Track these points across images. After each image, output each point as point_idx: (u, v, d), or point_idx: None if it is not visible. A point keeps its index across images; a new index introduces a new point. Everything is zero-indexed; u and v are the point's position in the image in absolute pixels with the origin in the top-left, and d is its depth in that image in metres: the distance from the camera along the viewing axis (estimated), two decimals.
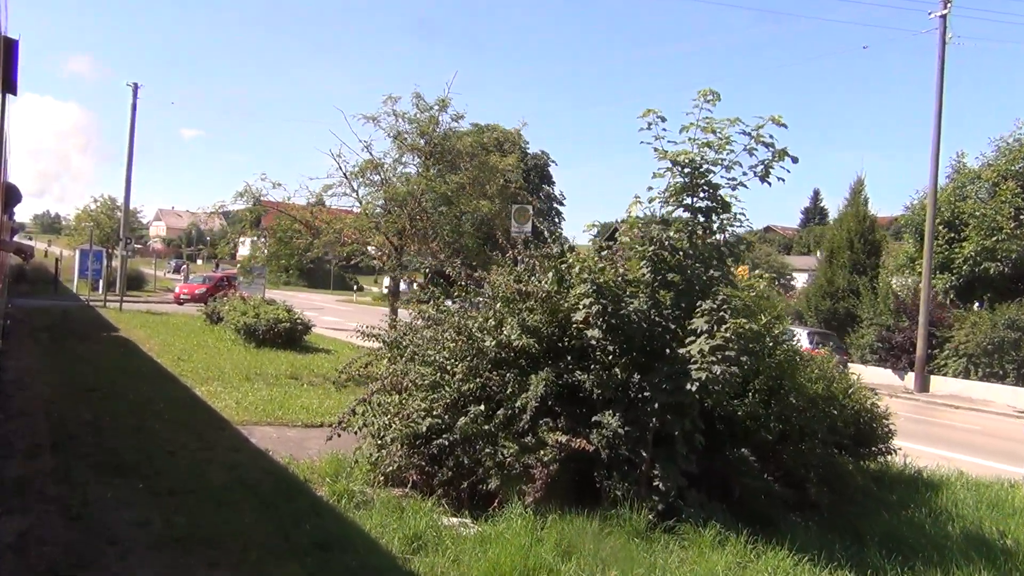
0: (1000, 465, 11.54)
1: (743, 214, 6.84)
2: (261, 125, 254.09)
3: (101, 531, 5.47)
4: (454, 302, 7.75)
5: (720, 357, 5.89)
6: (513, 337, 6.76)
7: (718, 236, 6.86)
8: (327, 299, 52.14)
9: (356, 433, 7.24)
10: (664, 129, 6.61)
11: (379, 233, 13.20)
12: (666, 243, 6.48)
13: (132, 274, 38.40)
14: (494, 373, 6.76)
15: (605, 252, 6.86)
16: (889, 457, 8.94)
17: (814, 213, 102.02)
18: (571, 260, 7.02)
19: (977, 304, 24.89)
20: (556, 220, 60.10)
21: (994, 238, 23.81)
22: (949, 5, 20.98)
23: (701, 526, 6.10)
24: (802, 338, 16.31)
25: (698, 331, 6.14)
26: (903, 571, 5.87)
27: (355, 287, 63.54)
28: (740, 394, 7.10)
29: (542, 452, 6.38)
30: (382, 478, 6.96)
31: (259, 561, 5.11)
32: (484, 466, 6.41)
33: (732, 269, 6.88)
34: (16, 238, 19.29)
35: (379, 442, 7.03)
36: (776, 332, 7.48)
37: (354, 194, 13.67)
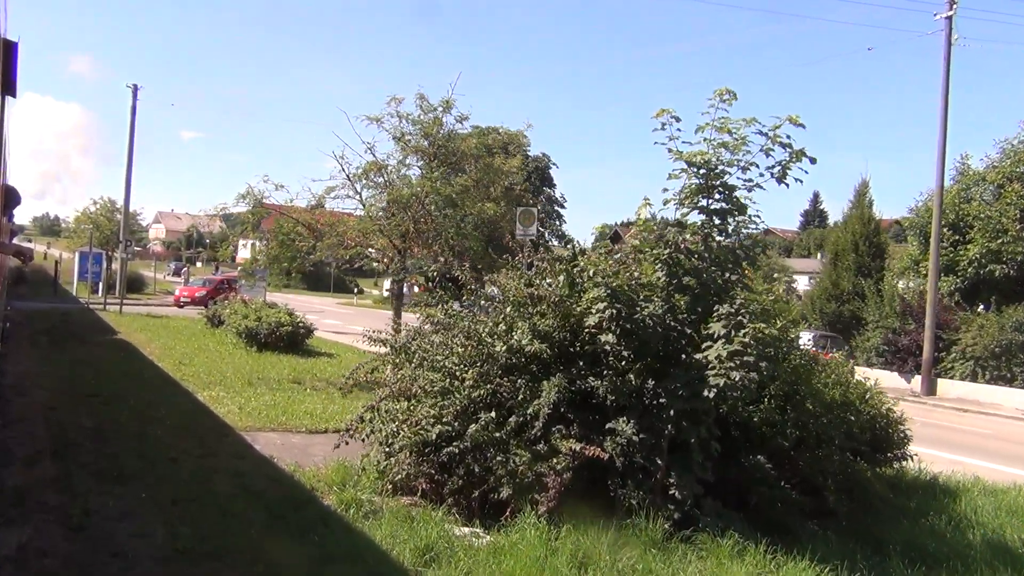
0: (1014, 470, 11.39)
1: (758, 216, 6.70)
2: (261, 126, 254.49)
3: (103, 542, 5.31)
4: (462, 306, 7.60)
5: (739, 363, 5.74)
6: (524, 342, 6.61)
7: (732, 238, 6.71)
8: (327, 302, 51.99)
9: (363, 440, 7.08)
10: (678, 129, 6.48)
11: (383, 236, 13.04)
12: (682, 246, 6.33)
13: (132, 277, 38.24)
14: (505, 379, 6.61)
15: (618, 255, 6.69)
16: (905, 463, 8.78)
17: (814, 216, 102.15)
18: (583, 264, 6.88)
19: (982, 306, 24.76)
20: (557, 223, 60.01)
21: (999, 240, 23.70)
22: (955, 6, 20.88)
23: (719, 535, 5.95)
24: (807, 341, 16.17)
25: (715, 336, 5.99)
26: None
27: (355, 290, 63.67)
28: (756, 400, 6.95)
29: (555, 460, 6.20)
30: (390, 486, 6.80)
31: (267, 574, 4.95)
32: (495, 474, 6.25)
33: (748, 272, 6.73)
34: (15, 240, 19.15)
35: (387, 449, 6.88)
36: (791, 336, 7.33)
37: (357, 196, 13.52)
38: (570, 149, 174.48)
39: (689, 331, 6.35)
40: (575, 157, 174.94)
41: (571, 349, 6.82)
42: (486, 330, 6.86)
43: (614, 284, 6.19)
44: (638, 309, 6.25)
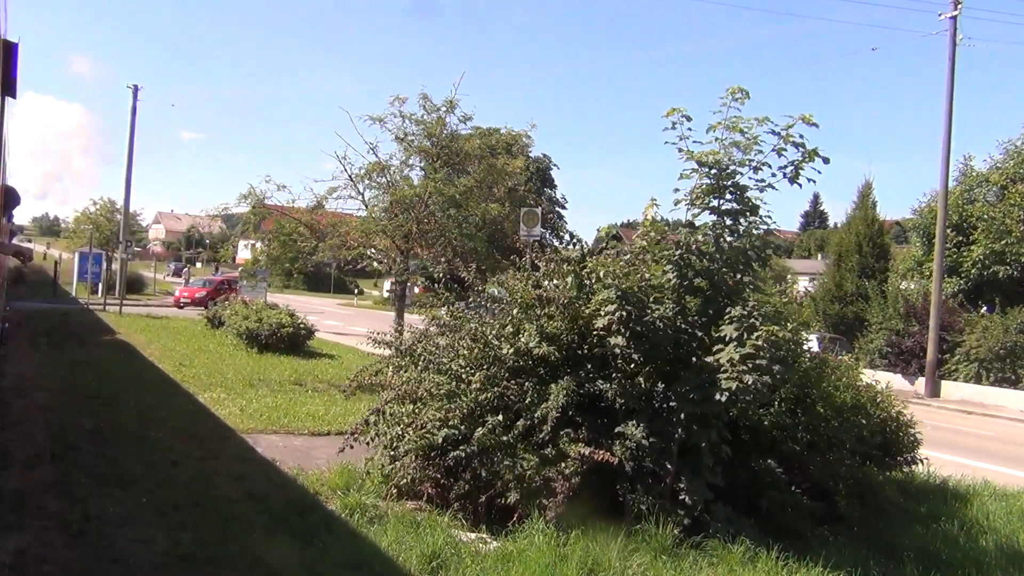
0: (1021, 473, 11.28)
1: (770, 216, 6.60)
2: (260, 127, 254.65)
3: (104, 549, 5.20)
4: (468, 307, 7.50)
5: (751, 366, 5.64)
6: (532, 344, 6.50)
7: (743, 239, 6.59)
8: (327, 303, 51.88)
9: (368, 444, 6.98)
10: (689, 129, 6.37)
11: (386, 237, 12.93)
12: (693, 247, 6.22)
13: (131, 277, 38.06)
14: (512, 382, 6.51)
15: (628, 256, 6.59)
16: (915, 467, 8.67)
17: (814, 217, 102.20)
18: (591, 265, 6.78)
19: (985, 308, 24.66)
20: (558, 224, 59.88)
21: (1003, 241, 23.63)
22: (959, 6, 20.77)
23: (730, 541, 5.85)
24: (814, 343, 16.04)
25: (727, 338, 5.88)
26: None
27: (356, 291, 63.52)
28: (766, 403, 6.85)
29: (563, 464, 6.09)
30: (395, 491, 6.69)
31: None
32: (503, 479, 6.15)
33: (759, 274, 6.63)
34: (15, 241, 19.04)
35: (392, 453, 6.77)
36: (801, 339, 7.22)
37: (360, 197, 13.41)
38: (570, 149, 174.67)
39: (700, 333, 6.24)
40: (575, 157, 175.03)
41: (579, 352, 6.71)
42: (493, 332, 6.75)
43: (624, 286, 6.08)
44: (648, 311, 6.15)
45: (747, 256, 6.47)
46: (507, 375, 6.53)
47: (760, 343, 5.61)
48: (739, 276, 6.39)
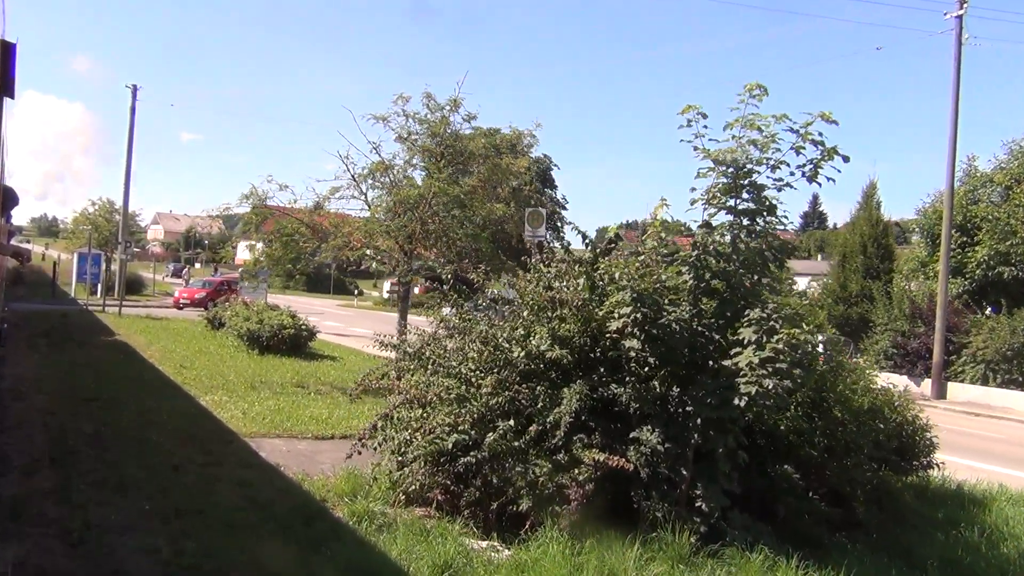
0: None
1: (786, 217, 6.44)
2: (259, 127, 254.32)
3: (104, 558, 5.06)
4: (477, 308, 7.34)
5: (771, 370, 5.48)
6: (544, 347, 6.34)
7: (759, 240, 6.43)
8: (327, 304, 51.67)
9: (375, 450, 6.81)
10: (705, 126, 6.21)
11: (389, 238, 12.76)
12: (710, 247, 6.06)
13: (131, 278, 37.85)
14: (523, 386, 6.34)
15: (642, 257, 6.43)
16: (930, 471, 8.51)
17: (813, 217, 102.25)
18: (603, 266, 6.62)
19: (990, 309, 24.51)
20: (559, 225, 59.66)
21: (1008, 242, 23.48)
22: (965, 5, 20.61)
23: (748, 550, 5.69)
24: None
25: (745, 341, 5.72)
26: None
27: (356, 291, 63.31)
28: (783, 407, 6.69)
29: (577, 471, 5.94)
30: (403, 497, 6.54)
31: None
32: (514, 486, 5.99)
33: (777, 275, 6.48)
34: (13, 241, 18.86)
35: (399, 459, 6.62)
36: (817, 341, 7.05)
37: (363, 197, 13.25)
38: (569, 150, 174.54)
39: (717, 336, 6.08)
40: (574, 158, 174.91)
41: (591, 355, 6.55)
42: (503, 335, 6.59)
43: (640, 288, 5.92)
44: (664, 313, 5.99)
45: (764, 257, 6.32)
46: (518, 379, 6.37)
47: (780, 346, 5.46)
48: (756, 277, 6.23)
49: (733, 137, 6.15)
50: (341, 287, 66.17)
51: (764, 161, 6.15)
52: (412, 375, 7.32)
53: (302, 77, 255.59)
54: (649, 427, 6.03)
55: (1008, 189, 24.66)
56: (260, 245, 14.68)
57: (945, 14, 21.26)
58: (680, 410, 6.16)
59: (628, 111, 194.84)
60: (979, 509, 7.98)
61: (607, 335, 6.33)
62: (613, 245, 7.20)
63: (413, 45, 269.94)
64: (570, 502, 5.92)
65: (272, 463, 7.85)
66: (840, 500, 6.89)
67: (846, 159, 6.03)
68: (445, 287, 7.54)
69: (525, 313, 6.76)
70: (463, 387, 6.46)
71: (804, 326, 6.43)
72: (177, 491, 6.49)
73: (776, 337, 5.51)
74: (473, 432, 6.16)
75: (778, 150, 6.12)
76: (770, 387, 5.44)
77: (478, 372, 6.51)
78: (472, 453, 6.05)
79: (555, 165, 61.53)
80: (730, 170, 6.12)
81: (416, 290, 20.68)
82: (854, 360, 8.20)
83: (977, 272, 24.21)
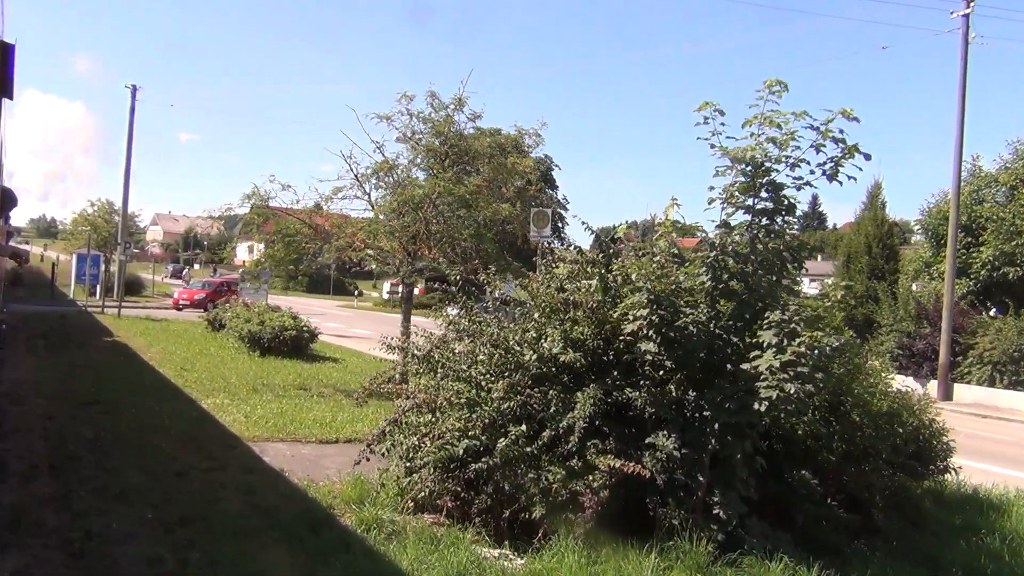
0: None
1: (804, 216, 6.27)
2: (258, 128, 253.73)
3: (107, 569, 4.90)
4: (486, 310, 7.18)
5: (793, 374, 5.32)
6: (556, 350, 6.18)
7: (778, 240, 6.28)
8: (327, 304, 51.49)
9: (383, 455, 6.65)
10: (722, 124, 6.06)
11: (393, 238, 12.59)
12: (729, 248, 5.90)
13: (130, 279, 37.67)
14: (535, 390, 6.18)
15: (658, 257, 6.26)
16: (946, 476, 8.35)
17: (812, 218, 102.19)
18: (617, 267, 6.46)
19: (995, 309, 24.36)
20: (560, 225, 59.52)
21: (1013, 243, 23.33)
22: (972, 4, 20.46)
23: (767, 558, 5.54)
24: None
25: (765, 345, 5.57)
26: None
27: (355, 292, 63.14)
28: (803, 412, 6.53)
29: (591, 477, 5.77)
30: (412, 504, 6.37)
31: None
32: (527, 493, 5.82)
33: (796, 276, 6.32)
34: (11, 242, 18.68)
35: (408, 464, 6.46)
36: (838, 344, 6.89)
37: (366, 197, 13.07)
38: (568, 150, 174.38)
39: (735, 339, 5.92)
40: (573, 158, 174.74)
41: (604, 358, 6.39)
42: (514, 338, 6.43)
43: (657, 289, 5.76)
44: (681, 316, 5.83)
45: (782, 257, 6.17)
46: (530, 382, 6.22)
47: (803, 349, 5.30)
48: (774, 278, 6.08)
49: (752, 135, 6.00)
50: (340, 288, 66.00)
51: (783, 159, 5.99)
52: (420, 378, 7.17)
53: (301, 78, 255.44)
54: (665, 432, 5.88)
55: (1013, 189, 24.52)
56: (261, 246, 14.50)
57: (952, 13, 21.11)
58: (697, 415, 6.01)
59: (628, 111, 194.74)
60: (998, 515, 7.82)
61: (620, 337, 6.17)
62: (621, 246, 7.05)
63: (412, 46, 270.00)
64: (584, 510, 5.75)
65: (276, 468, 7.68)
66: (858, 506, 6.73)
67: (868, 157, 5.88)
68: (454, 288, 7.37)
69: (536, 315, 6.61)
70: (474, 391, 6.31)
71: (825, 329, 6.29)
72: (180, 498, 6.32)
73: (798, 340, 5.36)
74: (484, 437, 6.01)
75: (797, 148, 5.97)
76: (792, 391, 5.28)
77: (488, 376, 6.35)
78: (484, 459, 5.89)
79: (556, 165, 61.49)
80: (748, 168, 5.97)
81: (416, 291, 20.47)
82: (869, 363, 8.02)
83: (982, 273, 24.07)
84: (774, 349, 5.49)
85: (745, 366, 5.72)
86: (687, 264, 6.25)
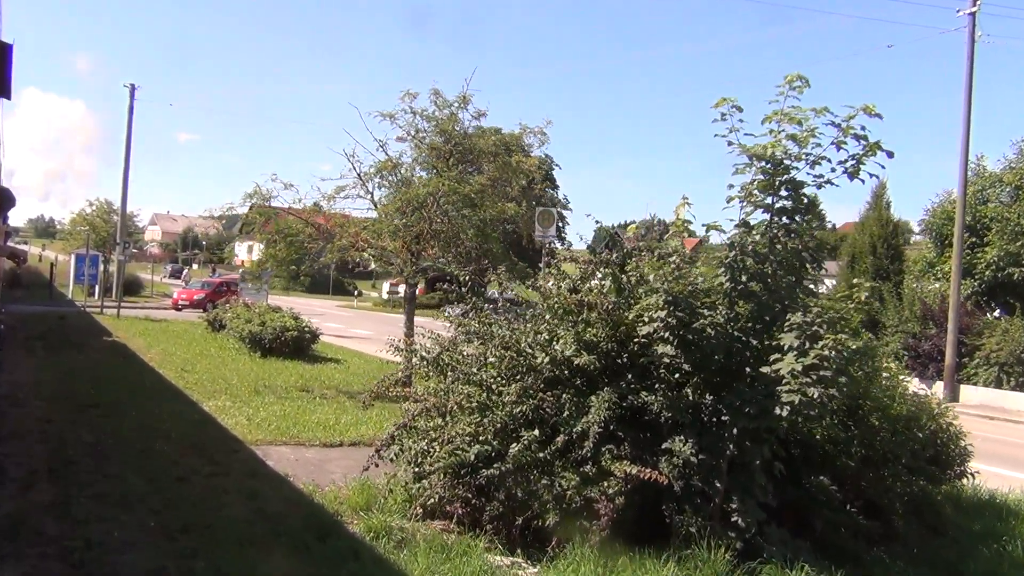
0: None
1: (824, 214, 6.12)
2: (256, 128, 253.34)
3: None
4: (496, 311, 7.02)
5: (816, 378, 5.16)
6: (569, 353, 6.02)
7: (796, 240, 6.12)
8: (327, 305, 51.26)
9: (391, 460, 6.49)
10: (740, 120, 5.89)
11: (396, 238, 12.42)
12: (748, 248, 5.74)
13: (129, 279, 37.46)
14: (548, 394, 6.02)
15: (674, 257, 6.10)
16: (964, 480, 8.19)
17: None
18: (631, 267, 6.30)
19: (1000, 310, 24.19)
20: (561, 225, 59.39)
21: (1018, 243, 23.15)
22: (978, 3, 20.29)
23: (787, 567, 5.39)
24: None
25: (786, 348, 5.40)
26: None
27: (355, 292, 62.90)
28: (823, 416, 6.37)
29: (606, 483, 5.61)
30: (420, 510, 6.20)
31: None
32: (540, 499, 5.66)
33: (816, 276, 6.16)
34: (9, 242, 18.50)
35: (416, 470, 6.30)
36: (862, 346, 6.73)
37: (369, 196, 12.91)
38: (568, 150, 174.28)
39: (754, 342, 5.76)
40: (573, 158, 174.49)
41: (618, 360, 6.23)
42: (526, 340, 6.27)
43: (675, 290, 5.60)
44: (698, 317, 5.67)
45: (802, 258, 6.01)
46: (542, 386, 6.05)
47: (826, 352, 5.13)
48: (794, 279, 5.92)
49: (771, 132, 5.84)
50: (340, 288, 65.79)
51: (803, 156, 5.83)
52: (428, 381, 7.01)
53: (301, 78, 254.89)
54: (682, 437, 5.72)
55: (1018, 189, 24.34)
56: (262, 245, 14.33)
57: (958, 11, 20.94)
58: (714, 419, 5.85)
59: (628, 111, 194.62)
60: (1017, 520, 7.66)
61: (635, 339, 6.01)
62: (632, 246, 6.88)
63: (412, 46, 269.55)
64: (599, 517, 5.59)
65: (280, 473, 7.53)
66: (877, 512, 6.57)
67: (890, 155, 5.71)
68: (463, 288, 7.20)
69: (548, 316, 6.45)
70: (484, 395, 6.14)
71: (845, 331, 6.13)
72: (183, 504, 6.17)
73: (821, 343, 5.19)
74: (496, 443, 5.85)
75: (818, 145, 5.80)
76: (815, 396, 5.12)
77: (499, 379, 6.19)
78: (495, 465, 5.72)
79: (556, 165, 61.34)
80: (768, 166, 5.80)
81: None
82: (886, 364, 7.86)
83: (987, 273, 23.90)
84: (795, 352, 5.33)
85: (764, 369, 5.56)
86: (702, 265, 6.08)
